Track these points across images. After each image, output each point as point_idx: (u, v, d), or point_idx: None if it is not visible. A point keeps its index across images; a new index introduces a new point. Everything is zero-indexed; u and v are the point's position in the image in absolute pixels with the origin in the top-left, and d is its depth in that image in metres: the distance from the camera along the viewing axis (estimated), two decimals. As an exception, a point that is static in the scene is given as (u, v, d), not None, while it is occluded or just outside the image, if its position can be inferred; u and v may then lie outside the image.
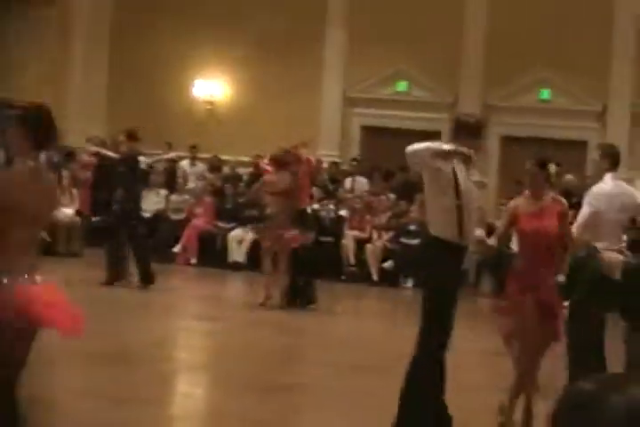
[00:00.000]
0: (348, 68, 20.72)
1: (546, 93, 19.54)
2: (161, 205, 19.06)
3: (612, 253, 8.34)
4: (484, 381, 9.67)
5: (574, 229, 8.30)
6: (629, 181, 17.49)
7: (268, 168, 14.20)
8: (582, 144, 18.54)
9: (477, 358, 11.23)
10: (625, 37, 18.95)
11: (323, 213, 18.09)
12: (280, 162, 13.60)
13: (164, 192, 19.29)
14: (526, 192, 7.60)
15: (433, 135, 19.66)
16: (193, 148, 20.37)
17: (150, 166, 14.50)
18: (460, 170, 7.03)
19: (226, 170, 20.36)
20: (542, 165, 7.48)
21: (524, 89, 19.61)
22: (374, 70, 20.41)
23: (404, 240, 16.91)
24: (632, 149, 18.18)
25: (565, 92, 19.40)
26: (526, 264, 7.41)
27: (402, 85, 20.51)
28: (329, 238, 17.59)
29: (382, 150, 19.87)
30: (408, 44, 19.84)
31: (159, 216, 18.86)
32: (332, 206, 18.31)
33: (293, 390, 8.67)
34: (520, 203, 7.56)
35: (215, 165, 20.17)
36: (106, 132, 21.08)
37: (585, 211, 8.46)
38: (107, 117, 22.22)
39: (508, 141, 19.68)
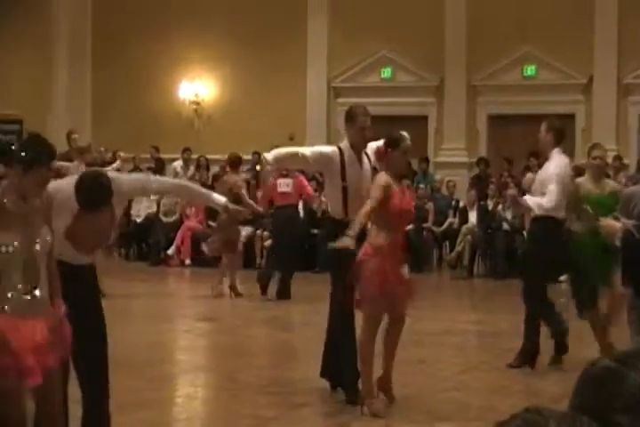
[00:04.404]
0: (330, 59, 20.54)
1: (530, 70, 19.35)
2: (152, 209, 18.99)
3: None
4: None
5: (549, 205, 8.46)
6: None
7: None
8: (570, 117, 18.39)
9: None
10: (605, 7, 18.70)
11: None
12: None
13: (154, 196, 19.15)
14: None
15: (420, 120, 19.63)
16: (186, 150, 20.15)
17: None
18: None
19: (215, 169, 20.15)
20: None
21: (508, 67, 19.43)
22: (357, 59, 20.25)
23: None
24: (619, 119, 18.08)
25: (550, 67, 19.19)
26: None
27: (386, 72, 20.34)
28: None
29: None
30: (389, 29, 19.68)
31: (151, 220, 18.87)
32: (323, 198, 18.13)
33: (297, 386, 8.50)
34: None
35: (203, 165, 19.96)
36: (92, 140, 20.92)
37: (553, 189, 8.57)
38: (92, 125, 22.09)
39: (496, 120, 19.55)
